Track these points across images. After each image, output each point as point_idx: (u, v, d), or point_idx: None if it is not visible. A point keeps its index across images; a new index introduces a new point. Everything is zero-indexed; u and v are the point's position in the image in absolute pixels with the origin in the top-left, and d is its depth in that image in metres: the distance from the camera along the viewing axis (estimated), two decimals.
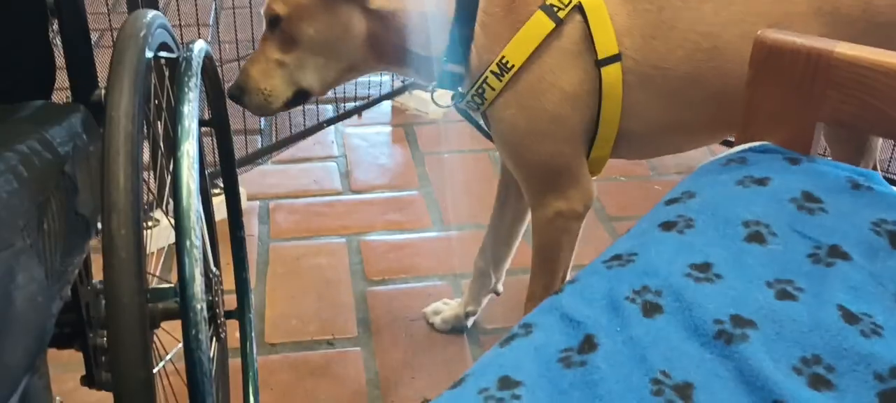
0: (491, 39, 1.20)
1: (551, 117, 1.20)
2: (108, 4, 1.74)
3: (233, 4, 2.05)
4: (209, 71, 1.05)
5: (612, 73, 1.18)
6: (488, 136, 1.31)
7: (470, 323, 1.58)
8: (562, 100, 1.19)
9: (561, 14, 1.16)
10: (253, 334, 1.29)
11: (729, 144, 1.05)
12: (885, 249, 0.75)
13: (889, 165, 1.94)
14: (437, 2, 1.20)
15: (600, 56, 1.17)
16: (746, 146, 0.92)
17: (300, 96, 1.27)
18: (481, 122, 1.31)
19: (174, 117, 0.83)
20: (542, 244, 1.32)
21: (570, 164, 1.24)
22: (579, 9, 1.17)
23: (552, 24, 1.16)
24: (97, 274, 0.88)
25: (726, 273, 0.73)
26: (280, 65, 1.24)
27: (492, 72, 1.19)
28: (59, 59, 0.94)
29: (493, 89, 1.20)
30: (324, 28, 1.21)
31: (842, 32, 1.18)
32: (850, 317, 0.67)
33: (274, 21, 1.22)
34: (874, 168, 1.48)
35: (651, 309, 0.70)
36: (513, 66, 1.18)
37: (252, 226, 1.88)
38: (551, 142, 1.22)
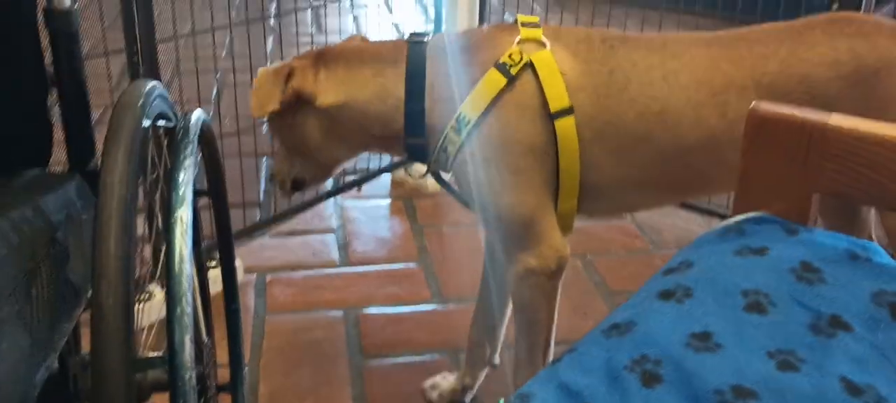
0: (445, 103, 1.27)
1: (511, 168, 1.25)
2: (110, 81, 1.76)
3: (234, 81, 2.08)
4: (207, 139, 1.05)
5: (565, 126, 1.24)
6: (465, 202, 1.35)
7: (468, 398, 1.55)
8: (519, 151, 1.24)
9: (513, 70, 1.24)
10: None
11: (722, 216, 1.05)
12: (886, 321, 0.74)
13: None
14: (384, 84, 1.30)
15: (553, 109, 1.23)
16: (743, 216, 0.92)
17: (297, 184, 1.41)
18: (453, 185, 1.37)
19: (170, 185, 0.83)
20: (518, 303, 1.35)
21: (536, 218, 1.27)
22: (530, 66, 1.24)
23: (505, 80, 1.24)
24: (87, 347, 0.87)
25: (727, 342, 0.72)
26: (280, 155, 1.40)
27: (451, 128, 1.26)
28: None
29: (454, 144, 1.26)
30: (288, 132, 1.34)
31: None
32: (854, 389, 0.66)
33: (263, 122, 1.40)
34: (870, 239, 1.48)
35: (650, 379, 0.68)
36: (469, 120, 1.24)
37: (248, 299, 1.86)
38: (512, 194, 1.26)
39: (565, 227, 1.31)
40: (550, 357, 1.38)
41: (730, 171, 1.26)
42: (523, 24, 1.29)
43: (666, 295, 0.80)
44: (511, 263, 1.30)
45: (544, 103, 1.23)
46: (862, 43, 1.22)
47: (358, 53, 1.33)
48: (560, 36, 1.29)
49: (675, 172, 1.29)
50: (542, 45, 1.26)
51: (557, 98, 1.23)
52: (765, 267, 0.81)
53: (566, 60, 1.26)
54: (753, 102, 0.93)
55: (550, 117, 1.23)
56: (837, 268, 0.81)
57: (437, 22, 2.36)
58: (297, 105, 1.29)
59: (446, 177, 1.38)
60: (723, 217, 0.94)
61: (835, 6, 1.78)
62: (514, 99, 1.24)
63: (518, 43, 1.26)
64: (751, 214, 0.92)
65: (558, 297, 1.33)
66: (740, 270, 0.81)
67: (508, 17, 1.33)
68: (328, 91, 1.29)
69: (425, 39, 1.32)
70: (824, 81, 1.22)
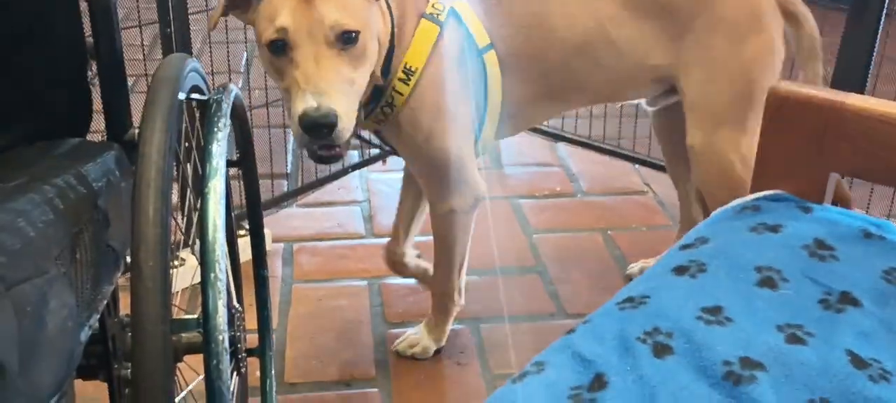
0: (398, 57, 1.35)
1: (450, 112, 1.38)
2: (144, 51, 1.80)
3: None
4: (238, 113, 1.09)
5: (491, 60, 1.39)
6: (386, 153, 1.56)
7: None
8: (458, 92, 1.38)
9: (441, 18, 1.36)
10: (273, 372, 1.31)
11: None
12: None
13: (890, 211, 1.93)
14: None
15: (481, 45, 1.38)
16: (760, 194, 0.94)
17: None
18: (375, 139, 1.52)
19: (203, 157, 0.86)
20: (439, 236, 1.53)
21: (464, 159, 1.42)
22: (453, 12, 1.37)
23: (437, 28, 1.36)
24: (125, 309, 0.91)
25: (737, 316, 0.74)
26: (352, 84, 1.19)
27: (399, 79, 1.34)
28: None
29: (401, 94, 1.35)
30: (374, 39, 1.24)
31: (644, 11, 1.43)
32: (859, 362, 0.68)
33: (350, 36, 1.16)
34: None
35: (661, 350, 0.71)
36: (416, 69, 1.34)
37: (276, 268, 1.90)
38: (450, 138, 1.39)
39: (485, 150, 1.48)
40: (464, 277, 1.59)
41: (604, 76, 1.47)
42: None
43: (680, 269, 0.82)
44: (437, 203, 1.46)
45: (473, 43, 1.36)
46: None
47: None
48: None
49: (560, 81, 1.46)
50: None
51: (481, 35, 1.38)
52: (778, 243, 0.83)
53: (472, 5, 1.39)
54: (773, 83, 0.95)
55: (479, 53, 1.36)
56: (850, 246, 0.83)
57: None
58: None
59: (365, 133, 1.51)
60: None
61: None
62: (448, 43, 1.36)
63: None
64: (768, 192, 0.94)
65: (472, 228, 1.52)
66: (754, 246, 0.83)
67: None
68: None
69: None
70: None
